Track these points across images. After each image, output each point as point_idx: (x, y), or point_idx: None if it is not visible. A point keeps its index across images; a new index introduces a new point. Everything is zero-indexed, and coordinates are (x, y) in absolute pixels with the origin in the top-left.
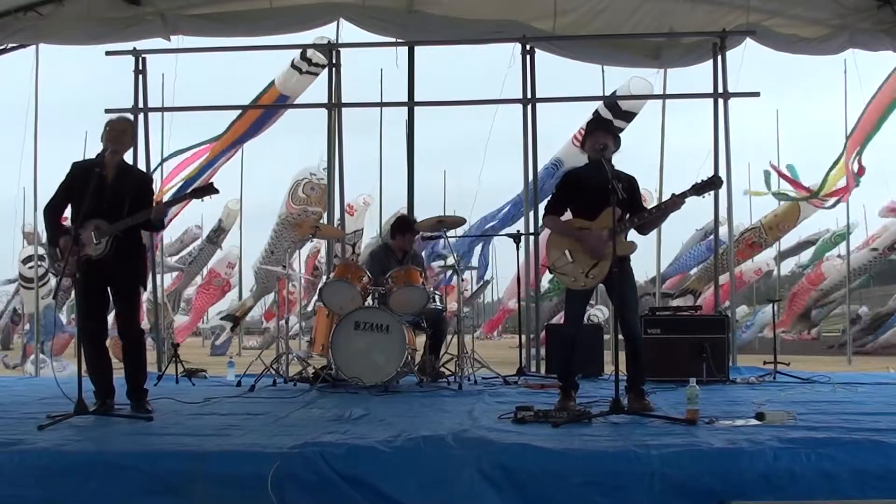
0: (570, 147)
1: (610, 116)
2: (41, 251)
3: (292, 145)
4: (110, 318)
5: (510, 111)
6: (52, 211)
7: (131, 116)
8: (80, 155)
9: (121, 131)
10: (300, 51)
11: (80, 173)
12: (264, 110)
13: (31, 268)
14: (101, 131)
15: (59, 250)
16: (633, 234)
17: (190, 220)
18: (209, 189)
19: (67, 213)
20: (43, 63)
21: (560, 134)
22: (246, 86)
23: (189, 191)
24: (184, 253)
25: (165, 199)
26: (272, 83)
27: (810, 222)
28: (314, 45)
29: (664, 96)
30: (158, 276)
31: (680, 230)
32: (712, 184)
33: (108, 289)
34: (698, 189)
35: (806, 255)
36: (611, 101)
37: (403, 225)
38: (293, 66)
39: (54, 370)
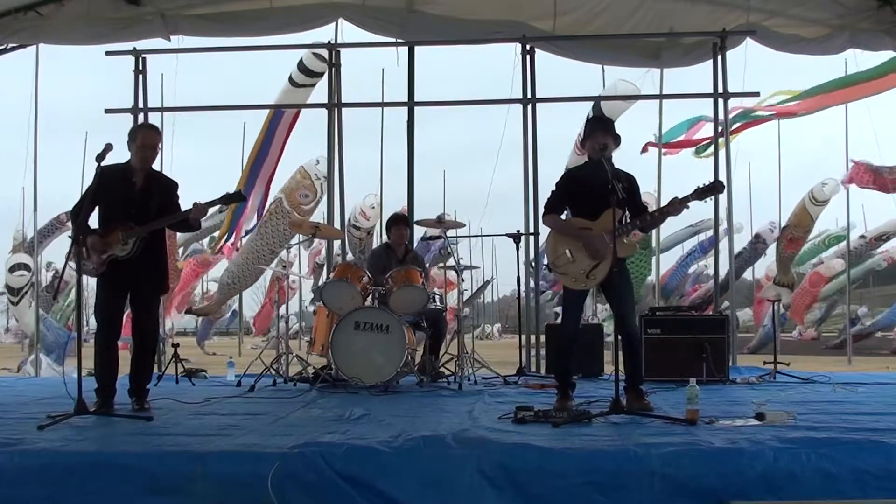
0: (574, 156)
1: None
2: (28, 260)
3: (293, 147)
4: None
5: (516, 114)
6: (79, 213)
7: (140, 117)
8: (80, 156)
9: (152, 147)
10: (297, 64)
11: (109, 179)
12: (270, 123)
13: (19, 276)
14: (129, 136)
15: (87, 249)
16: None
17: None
18: (238, 196)
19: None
20: (43, 64)
21: (560, 134)
22: (246, 85)
23: (222, 196)
24: None
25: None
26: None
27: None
28: (314, 46)
29: (665, 96)
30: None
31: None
32: (713, 189)
33: (128, 290)
34: (700, 193)
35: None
36: (597, 107)
37: (395, 218)
38: (292, 82)
39: (64, 369)
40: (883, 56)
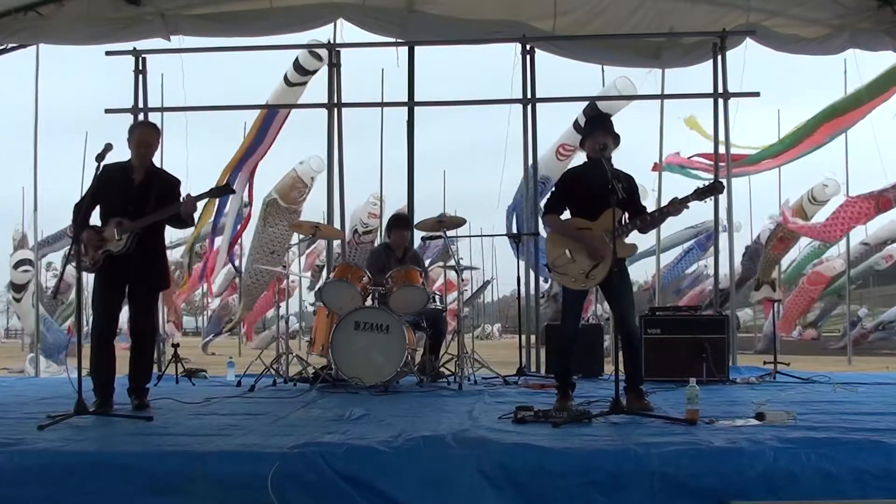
0: (553, 162)
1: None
2: (31, 255)
3: (293, 147)
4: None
5: (517, 114)
6: (80, 210)
7: (140, 117)
8: (80, 156)
9: (148, 144)
10: (292, 64)
11: (109, 176)
12: (265, 119)
13: (24, 272)
14: (128, 133)
15: (84, 245)
16: (632, 234)
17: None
18: (227, 189)
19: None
20: (43, 64)
21: (559, 134)
22: (246, 85)
23: (211, 189)
24: None
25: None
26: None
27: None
28: (314, 45)
29: (665, 96)
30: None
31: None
32: (713, 189)
33: (126, 287)
34: (700, 194)
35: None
36: (591, 106)
37: (397, 220)
38: (287, 81)
39: (68, 369)
40: (880, 61)
